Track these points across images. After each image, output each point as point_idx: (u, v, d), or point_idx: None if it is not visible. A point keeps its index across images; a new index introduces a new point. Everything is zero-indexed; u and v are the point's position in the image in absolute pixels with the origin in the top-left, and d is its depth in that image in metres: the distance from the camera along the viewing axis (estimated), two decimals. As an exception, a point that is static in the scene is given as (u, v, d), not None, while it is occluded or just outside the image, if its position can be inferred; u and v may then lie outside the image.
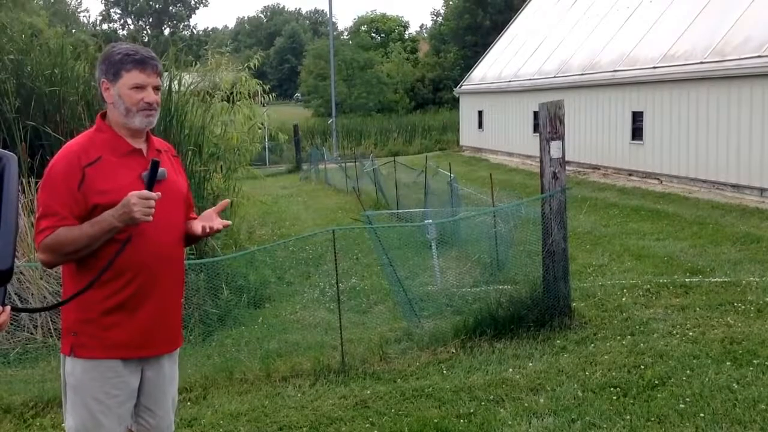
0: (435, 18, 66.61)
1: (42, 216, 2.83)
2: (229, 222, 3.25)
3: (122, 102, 2.91)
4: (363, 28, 67.57)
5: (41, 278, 7.20)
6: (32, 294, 7.10)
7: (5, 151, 2.14)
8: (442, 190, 11.83)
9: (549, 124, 6.38)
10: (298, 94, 71.86)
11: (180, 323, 3.21)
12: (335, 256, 6.54)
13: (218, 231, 3.15)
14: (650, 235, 10.78)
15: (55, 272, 7.21)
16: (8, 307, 2.21)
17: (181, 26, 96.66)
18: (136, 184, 2.87)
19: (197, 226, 3.11)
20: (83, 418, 2.94)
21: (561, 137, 6.40)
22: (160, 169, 2.93)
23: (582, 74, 20.59)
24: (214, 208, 3.23)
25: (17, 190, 2.14)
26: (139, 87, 2.91)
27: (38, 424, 5.11)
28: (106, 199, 2.81)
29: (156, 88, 2.97)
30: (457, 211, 10.17)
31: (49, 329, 7.01)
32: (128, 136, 2.97)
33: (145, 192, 2.77)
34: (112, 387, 2.94)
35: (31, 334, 6.96)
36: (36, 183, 7.67)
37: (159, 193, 2.81)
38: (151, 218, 2.78)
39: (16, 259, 2.30)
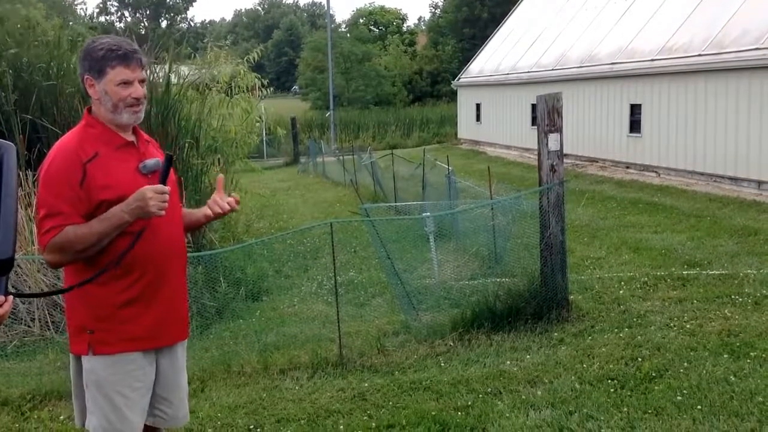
0: (434, 10, 66.54)
1: (46, 216, 2.78)
2: (237, 196, 3.26)
3: (109, 98, 2.88)
4: (361, 21, 67.45)
5: (38, 271, 7.20)
6: (29, 287, 7.10)
7: (3, 141, 2.13)
8: (440, 183, 11.82)
9: (547, 116, 6.37)
10: (296, 87, 71.72)
11: (187, 311, 3.25)
12: (333, 249, 6.53)
13: (233, 209, 3.19)
14: (648, 228, 10.79)
15: (53, 265, 7.20)
16: (10, 297, 2.20)
17: (179, 18, 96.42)
18: (136, 177, 2.88)
19: (204, 210, 3.17)
20: (108, 415, 2.94)
21: (559, 130, 6.39)
22: (155, 161, 2.93)
23: (580, 67, 20.57)
24: (215, 192, 3.23)
25: (16, 181, 2.13)
26: (126, 83, 2.88)
27: (36, 416, 5.11)
28: (112, 194, 2.80)
29: (141, 81, 2.94)
30: (455, 204, 10.16)
31: (47, 322, 7.01)
32: (119, 130, 2.95)
33: (160, 186, 2.78)
34: (134, 380, 2.95)
35: (29, 326, 6.96)
36: (33, 176, 7.66)
37: (169, 187, 2.83)
38: (164, 213, 2.79)
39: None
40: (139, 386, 2.97)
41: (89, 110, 2.97)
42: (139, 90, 2.91)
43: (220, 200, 3.18)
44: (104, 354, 2.91)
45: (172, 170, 3.18)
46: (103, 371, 2.92)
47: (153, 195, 2.74)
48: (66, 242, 2.75)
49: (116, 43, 2.90)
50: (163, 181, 2.81)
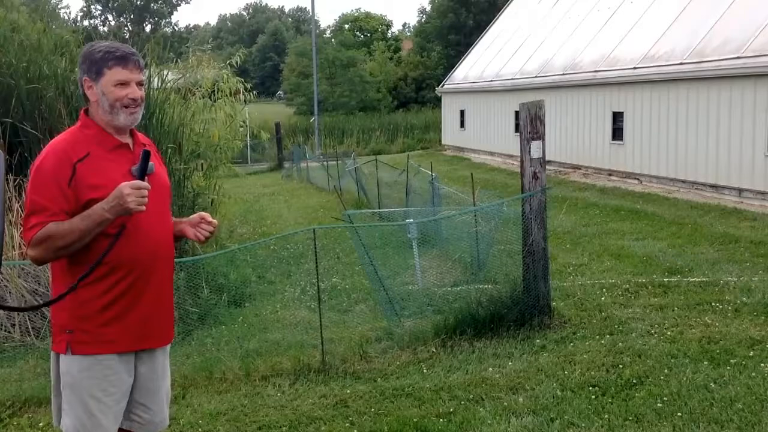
0: (421, 15, 66.68)
1: (30, 213, 2.83)
2: (215, 222, 3.25)
3: (106, 99, 2.92)
4: (346, 27, 67.52)
5: (19, 276, 7.13)
6: (10, 292, 7.03)
7: None
8: (424, 189, 11.83)
9: (529, 124, 6.41)
10: (281, 92, 71.68)
11: (173, 316, 3.24)
12: (316, 255, 6.53)
13: (211, 234, 3.21)
14: (630, 235, 10.85)
15: (33, 270, 7.15)
16: None
17: (163, 23, 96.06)
18: (126, 178, 2.88)
19: (188, 231, 3.18)
20: (81, 417, 2.94)
21: (541, 137, 6.43)
22: (150, 162, 2.94)
23: (563, 74, 20.68)
24: (199, 215, 3.23)
25: (3, 188, 2.13)
26: (123, 83, 2.92)
27: (15, 423, 5.06)
28: (100, 193, 2.81)
29: (139, 84, 2.98)
30: (438, 211, 10.18)
31: (27, 328, 6.95)
32: (114, 132, 2.98)
33: (138, 182, 2.79)
34: (109, 384, 2.95)
35: (9, 332, 6.89)
36: (14, 180, 7.61)
37: (148, 183, 2.83)
38: (144, 208, 2.79)
39: None
40: (114, 391, 2.97)
41: (86, 112, 3.01)
42: (136, 91, 2.96)
43: (202, 227, 3.22)
44: (81, 354, 2.91)
45: (165, 175, 3.19)
46: (79, 374, 2.92)
47: (131, 191, 2.74)
48: (48, 238, 2.78)
49: (114, 46, 2.97)
50: (141, 177, 2.82)
